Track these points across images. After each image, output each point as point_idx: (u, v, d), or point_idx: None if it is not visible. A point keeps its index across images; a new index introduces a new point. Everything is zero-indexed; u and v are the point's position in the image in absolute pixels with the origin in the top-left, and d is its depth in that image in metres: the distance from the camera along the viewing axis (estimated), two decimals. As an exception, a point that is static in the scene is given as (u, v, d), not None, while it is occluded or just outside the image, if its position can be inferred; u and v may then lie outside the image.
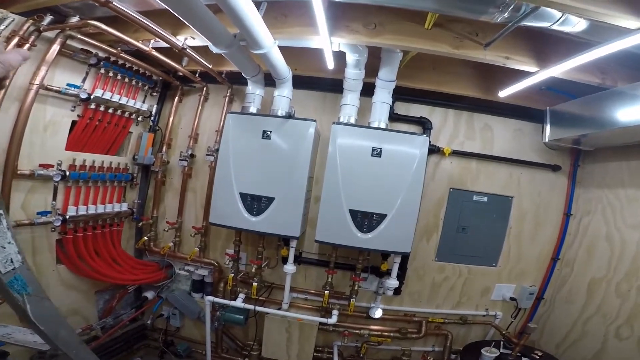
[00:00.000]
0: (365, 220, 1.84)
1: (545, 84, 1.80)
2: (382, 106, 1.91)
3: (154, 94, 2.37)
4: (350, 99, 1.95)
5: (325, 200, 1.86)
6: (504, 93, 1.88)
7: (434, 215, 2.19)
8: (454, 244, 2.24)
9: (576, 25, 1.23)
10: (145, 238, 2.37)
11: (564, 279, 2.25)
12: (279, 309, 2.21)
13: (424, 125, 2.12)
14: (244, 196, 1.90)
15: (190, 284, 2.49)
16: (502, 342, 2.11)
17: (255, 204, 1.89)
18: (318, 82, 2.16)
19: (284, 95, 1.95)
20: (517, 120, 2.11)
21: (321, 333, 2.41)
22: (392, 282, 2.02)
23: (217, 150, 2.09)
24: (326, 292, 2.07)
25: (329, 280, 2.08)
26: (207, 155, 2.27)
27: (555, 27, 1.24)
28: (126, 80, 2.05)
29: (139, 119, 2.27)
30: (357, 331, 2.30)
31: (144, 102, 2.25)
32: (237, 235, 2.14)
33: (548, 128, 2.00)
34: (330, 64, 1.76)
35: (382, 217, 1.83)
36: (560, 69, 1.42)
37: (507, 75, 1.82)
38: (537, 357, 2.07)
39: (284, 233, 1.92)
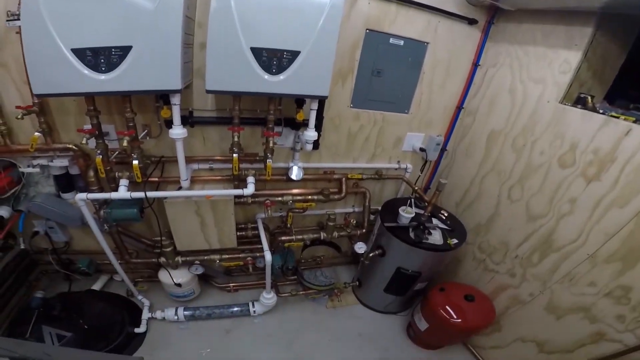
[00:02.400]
0: (274, 60, 1.42)
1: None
2: None
3: None
4: None
5: (213, 38, 1.32)
6: None
7: (349, 58, 1.91)
8: (369, 88, 2.06)
9: None
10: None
11: (466, 130, 2.36)
12: (178, 188, 1.82)
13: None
14: (79, 52, 1.23)
15: (54, 183, 1.81)
16: (412, 200, 2.17)
17: (102, 58, 1.25)
18: None
19: None
20: (445, -32, 1.82)
21: (240, 208, 2.15)
22: (311, 133, 1.77)
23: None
24: (235, 155, 1.70)
25: (236, 139, 1.69)
26: (8, 21, 1.40)
27: None
28: None
29: None
30: (280, 198, 2.10)
31: None
32: (89, 103, 1.48)
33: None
34: None
35: (295, 54, 1.43)
36: None
37: None
38: (444, 218, 2.25)
39: (157, 87, 1.36)
